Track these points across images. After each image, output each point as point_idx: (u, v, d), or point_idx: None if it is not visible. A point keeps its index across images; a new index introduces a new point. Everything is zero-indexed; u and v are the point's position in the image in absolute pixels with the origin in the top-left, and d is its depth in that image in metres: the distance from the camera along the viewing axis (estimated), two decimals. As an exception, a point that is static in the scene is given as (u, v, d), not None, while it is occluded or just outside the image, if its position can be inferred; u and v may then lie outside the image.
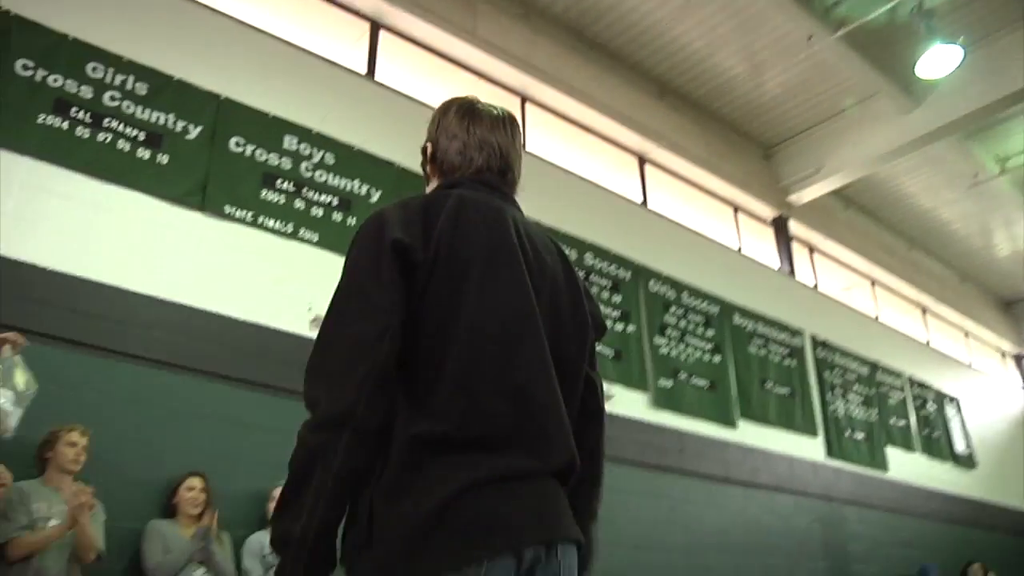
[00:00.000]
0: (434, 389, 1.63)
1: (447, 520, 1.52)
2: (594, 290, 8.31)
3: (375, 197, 6.85)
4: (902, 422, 12.18)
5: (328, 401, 1.56)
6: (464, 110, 2.01)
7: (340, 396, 1.55)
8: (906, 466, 11.71)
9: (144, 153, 5.75)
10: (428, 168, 2.05)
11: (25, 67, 5.42)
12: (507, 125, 2.03)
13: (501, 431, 1.62)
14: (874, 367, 12.07)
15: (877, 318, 13.09)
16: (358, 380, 1.55)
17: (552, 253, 1.94)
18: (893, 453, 11.58)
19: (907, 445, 12.03)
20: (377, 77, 7.60)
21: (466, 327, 1.66)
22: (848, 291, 12.80)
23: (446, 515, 1.52)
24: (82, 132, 5.54)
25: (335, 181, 6.67)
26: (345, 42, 7.61)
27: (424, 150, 2.05)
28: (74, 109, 5.55)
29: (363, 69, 7.56)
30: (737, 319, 9.93)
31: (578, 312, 1.91)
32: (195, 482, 5.01)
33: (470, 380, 1.63)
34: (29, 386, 4.02)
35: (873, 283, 13.62)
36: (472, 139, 1.96)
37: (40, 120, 5.39)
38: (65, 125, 5.48)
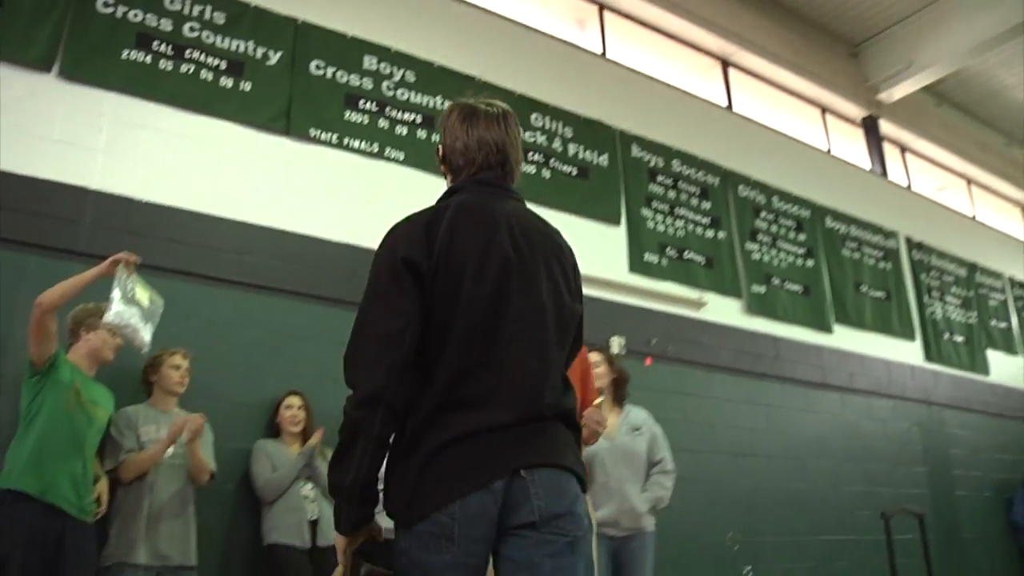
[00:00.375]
0: (438, 368, 2.05)
1: (430, 472, 1.99)
2: (682, 197, 8.22)
3: (458, 113, 6.78)
4: (1003, 324, 11.83)
5: (365, 384, 1.99)
6: (464, 114, 2.35)
7: (374, 380, 1.98)
8: (1008, 369, 11.39)
9: (227, 82, 5.79)
10: (442, 167, 2.42)
11: (106, 4, 5.46)
12: (502, 121, 2.36)
13: (484, 394, 2.04)
14: (972, 268, 11.70)
15: (974, 218, 12.65)
16: (387, 367, 1.98)
17: (544, 233, 2.31)
18: (994, 356, 11.29)
19: (1009, 348, 11.70)
20: (452, -9, 7.49)
21: (462, 318, 2.06)
22: (943, 191, 12.39)
23: (429, 468, 1.99)
24: (165, 65, 5.58)
25: (417, 99, 6.64)
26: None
27: (437, 151, 2.43)
28: (156, 42, 5.59)
29: (437, -17, 7.45)
30: (829, 222, 9.68)
31: (573, 282, 2.33)
32: (294, 400, 5.12)
33: (463, 358, 2.05)
34: (155, 301, 4.10)
35: (969, 182, 13.11)
36: (472, 140, 2.31)
37: (124, 55, 5.44)
38: (148, 59, 5.53)
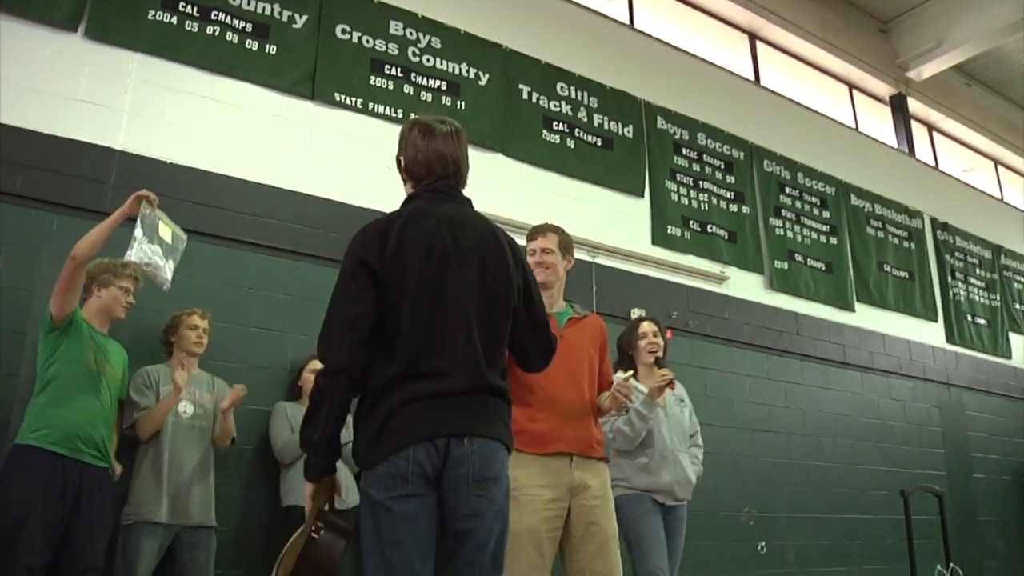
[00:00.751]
0: (393, 346, 2.52)
1: (386, 428, 2.45)
2: (707, 170, 8.18)
3: (484, 80, 6.78)
4: (1028, 308, 11.74)
5: (331, 359, 2.49)
6: (423, 130, 2.78)
7: (338, 356, 2.48)
8: (1030, 353, 11.32)
9: (252, 44, 5.77)
10: (403, 175, 2.84)
11: (132, -37, 5.44)
12: (455, 137, 2.79)
13: (433, 369, 2.50)
14: (998, 250, 11.57)
15: (1001, 200, 12.50)
16: (348, 346, 2.47)
17: (483, 231, 2.73)
18: (1016, 340, 11.19)
19: (1033, 332, 11.60)
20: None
21: (409, 307, 2.54)
22: (969, 172, 12.25)
23: (388, 422, 2.45)
24: (191, 26, 5.56)
25: (443, 65, 6.61)
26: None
27: (398, 162, 2.84)
28: (182, 3, 5.57)
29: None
30: (854, 200, 9.60)
31: (503, 271, 2.70)
32: (317, 365, 5.12)
33: (414, 340, 2.52)
34: (178, 236, 4.10)
35: (996, 164, 12.96)
36: (431, 153, 2.74)
37: (150, 16, 5.43)
38: (174, 20, 5.51)
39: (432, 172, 2.74)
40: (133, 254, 3.79)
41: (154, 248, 3.88)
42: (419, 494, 2.43)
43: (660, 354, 4.71)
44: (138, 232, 3.82)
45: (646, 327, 4.82)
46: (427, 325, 2.54)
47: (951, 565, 6.74)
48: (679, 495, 4.59)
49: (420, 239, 2.60)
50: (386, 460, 2.42)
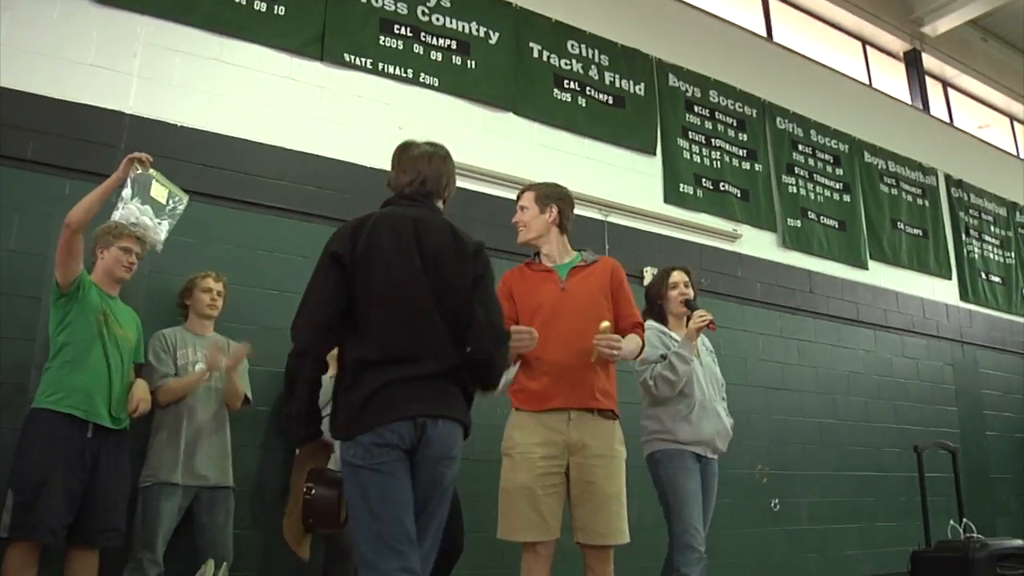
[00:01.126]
0: (367, 331, 2.83)
1: (371, 403, 2.74)
2: (719, 128, 8.13)
3: (494, 39, 6.72)
4: (1042, 265, 11.65)
5: (299, 341, 2.81)
6: (401, 149, 3.21)
7: (303, 339, 2.81)
8: (1045, 310, 11.26)
9: (260, 5, 5.71)
10: (387, 188, 3.18)
11: (139, -76, 5.39)
12: (429, 157, 3.16)
13: (405, 353, 2.81)
14: (1013, 207, 11.48)
15: (1017, 156, 12.38)
16: (311, 329, 2.82)
17: (444, 233, 3.02)
18: (1032, 297, 11.13)
19: (1047, 289, 11.53)
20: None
21: (378, 297, 2.85)
22: (984, 129, 12.13)
23: (370, 401, 2.74)
24: (197, -13, 5.52)
25: (452, 24, 6.55)
26: None
27: (387, 183, 3.21)
28: (187, -36, 5.52)
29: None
30: (867, 157, 9.52)
31: (462, 269, 2.98)
32: (331, 324, 5.15)
33: (385, 326, 2.83)
34: (173, 198, 4.10)
35: (1012, 120, 12.81)
36: (402, 167, 3.15)
37: (157, -23, 5.39)
38: (181, -19, 5.47)
39: (401, 184, 3.13)
40: (119, 214, 3.80)
41: (144, 208, 3.89)
42: (400, 459, 2.76)
43: (691, 298, 4.66)
44: (126, 192, 3.83)
45: (677, 276, 4.75)
46: (396, 312, 2.85)
47: (964, 521, 6.75)
48: (719, 446, 4.54)
49: (389, 236, 2.92)
50: (371, 431, 2.72)
